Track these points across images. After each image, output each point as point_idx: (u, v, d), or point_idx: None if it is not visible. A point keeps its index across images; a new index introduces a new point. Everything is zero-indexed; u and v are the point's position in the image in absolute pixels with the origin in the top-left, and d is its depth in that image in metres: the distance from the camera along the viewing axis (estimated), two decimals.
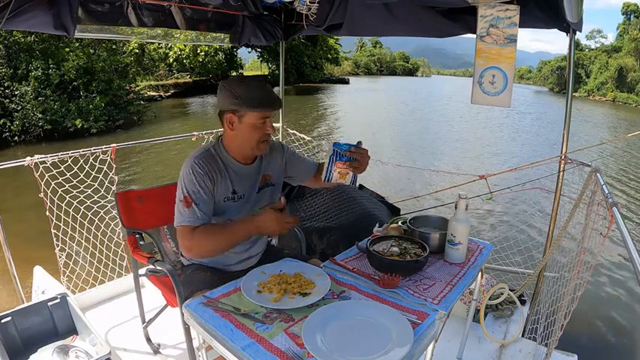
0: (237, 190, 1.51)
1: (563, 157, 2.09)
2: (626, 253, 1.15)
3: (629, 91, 38.71)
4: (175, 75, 23.60)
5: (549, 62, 54.25)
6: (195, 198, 1.40)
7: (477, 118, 17.97)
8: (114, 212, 2.60)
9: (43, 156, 2.27)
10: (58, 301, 1.78)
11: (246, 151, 1.49)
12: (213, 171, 1.44)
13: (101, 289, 2.51)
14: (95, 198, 2.68)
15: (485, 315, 2.28)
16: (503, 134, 14.77)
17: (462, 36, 2.22)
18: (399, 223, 1.74)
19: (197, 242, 1.40)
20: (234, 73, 25.61)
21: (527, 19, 1.92)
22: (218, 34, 2.71)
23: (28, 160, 2.20)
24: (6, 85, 10.59)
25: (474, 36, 2.07)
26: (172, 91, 21.35)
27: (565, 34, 1.90)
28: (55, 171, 2.34)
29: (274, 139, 1.74)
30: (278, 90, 2.81)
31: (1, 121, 10.21)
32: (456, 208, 1.48)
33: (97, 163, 2.57)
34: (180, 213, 1.40)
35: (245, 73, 29.23)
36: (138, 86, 15.52)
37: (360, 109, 20.70)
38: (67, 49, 11.72)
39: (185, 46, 20.69)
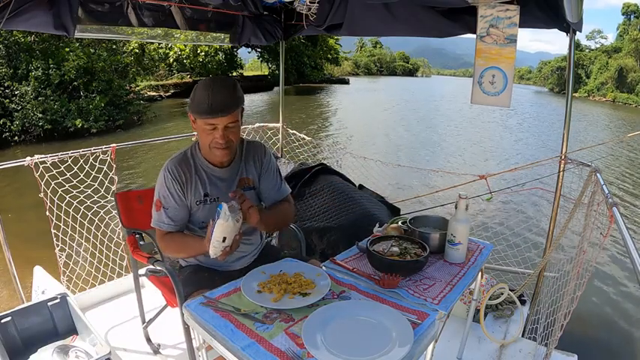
0: (209, 193, 1.50)
1: (563, 157, 2.09)
2: (626, 253, 1.15)
3: (629, 91, 38.71)
4: (175, 75, 23.58)
5: (549, 62, 54.28)
6: (165, 202, 1.46)
7: (479, 118, 17.97)
8: (114, 212, 2.59)
9: (43, 156, 2.27)
10: (58, 301, 1.79)
11: (210, 156, 1.48)
12: (183, 175, 1.46)
13: (101, 289, 2.51)
14: (95, 198, 2.68)
15: (486, 315, 2.28)
16: (504, 134, 14.77)
17: (462, 36, 2.23)
18: (399, 223, 1.74)
19: (163, 247, 1.51)
20: (234, 73, 25.61)
21: (527, 19, 1.92)
22: (218, 34, 2.71)
23: (28, 160, 2.20)
24: (6, 85, 10.58)
25: (474, 36, 2.07)
26: (172, 91, 21.31)
27: (565, 34, 1.90)
28: (55, 171, 2.34)
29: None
30: (278, 90, 2.80)
31: (1, 121, 10.19)
32: (456, 208, 1.48)
33: (97, 163, 2.57)
34: (153, 214, 1.50)
35: (245, 74, 29.42)
36: (138, 86, 15.50)
37: (361, 109, 20.71)
38: (67, 49, 11.70)
39: (185, 46, 20.69)
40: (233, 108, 1.37)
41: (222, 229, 1.23)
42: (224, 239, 1.25)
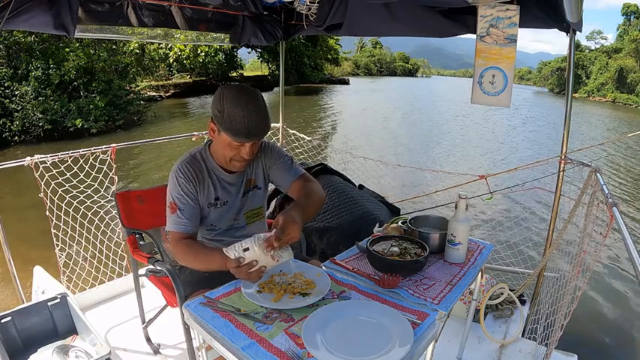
0: (220, 196, 1.50)
1: (563, 157, 2.09)
2: (626, 253, 1.15)
3: (629, 92, 38.72)
4: (175, 75, 23.58)
5: (549, 63, 54.21)
6: (180, 204, 1.42)
7: (485, 118, 17.97)
8: (114, 212, 2.59)
9: (43, 156, 2.27)
10: (58, 301, 1.79)
11: (223, 162, 1.47)
12: (196, 176, 1.45)
13: (101, 289, 2.51)
14: (95, 198, 2.68)
15: (485, 315, 2.28)
16: (503, 135, 14.78)
17: (462, 36, 2.23)
18: (399, 223, 1.74)
19: (179, 254, 1.42)
20: (234, 74, 25.58)
21: (527, 19, 1.92)
22: (218, 35, 2.71)
23: (28, 160, 2.20)
24: (6, 85, 10.57)
25: (474, 36, 2.07)
26: (172, 92, 21.31)
27: (565, 34, 1.90)
28: (55, 171, 2.34)
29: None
30: (278, 90, 2.80)
31: (1, 121, 10.19)
32: (456, 208, 1.48)
33: (97, 163, 2.57)
34: (168, 218, 1.44)
35: (245, 74, 29.37)
36: (138, 86, 15.50)
37: (361, 110, 20.70)
38: (68, 49, 11.71)
39: (185, 46, 20.67)
40: (268, 130, 1.39)
41: (254, 243, 1.19)
42: (246, 249, 1.20)
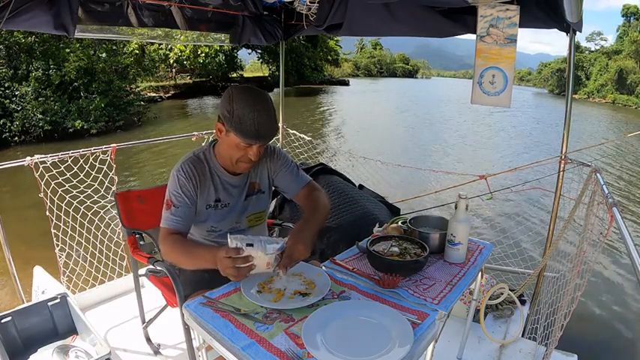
0: (221, 198, 1.50)
1: (563, 157, 2.09)
2: (626, 253, 1.15)
3: (629, 93, 38.71)
4: (176, 76, 23.59)
5: (549, 64, 54.14)
6: (175, 201, 1.40)
7: (487, 117, 17.97)
8: (114, 212, 2.59)
9: (43, 156, 2.27)
10: (58, 301, 1.79)
11: (228, 164, 1.46)
12: (197, 176, 1.43)
13: (101, 289, 2.51)
14: (95, 198, 2.68)
15: (485, 315, 2.28)
16: (505, 136, 14.78)
17: (462, 37, 2.23)
18: (399, 223, 1.74)
19: (165, 249, 1.37)
20: (234, 75, 25.59)
21: (527, 19, 1.93)
22: (218, 35, 2.71)
23: (28, 160, 2.20)
24: (6, 85, 10.59)
25: (474, 37, 2.07)
26: (172, 92, 21.35)
27: (565, 34, 1.91)
28: (55, 171, 2.34)
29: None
30: (278, 91, 2.80)
31: (1, 121, 10.21)
32: (456, 208, 1.48)
33: (97, 163, 2.57)
34: (162, 214, 1.43)
35: (245, 75, 29.36)
36: (138, 87, 15.50)
37: (362, 111, 20.71)
38: (68, 50, 11.72)
39: (185, 47, 20.68)
40: (276, 132, 1.39)
41: (260, 246, 1.19)
42: (250, 245, 1.18)
